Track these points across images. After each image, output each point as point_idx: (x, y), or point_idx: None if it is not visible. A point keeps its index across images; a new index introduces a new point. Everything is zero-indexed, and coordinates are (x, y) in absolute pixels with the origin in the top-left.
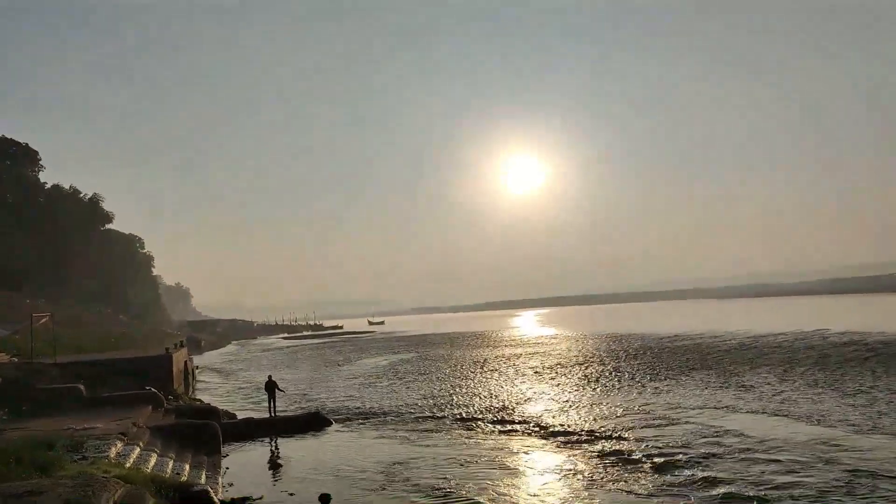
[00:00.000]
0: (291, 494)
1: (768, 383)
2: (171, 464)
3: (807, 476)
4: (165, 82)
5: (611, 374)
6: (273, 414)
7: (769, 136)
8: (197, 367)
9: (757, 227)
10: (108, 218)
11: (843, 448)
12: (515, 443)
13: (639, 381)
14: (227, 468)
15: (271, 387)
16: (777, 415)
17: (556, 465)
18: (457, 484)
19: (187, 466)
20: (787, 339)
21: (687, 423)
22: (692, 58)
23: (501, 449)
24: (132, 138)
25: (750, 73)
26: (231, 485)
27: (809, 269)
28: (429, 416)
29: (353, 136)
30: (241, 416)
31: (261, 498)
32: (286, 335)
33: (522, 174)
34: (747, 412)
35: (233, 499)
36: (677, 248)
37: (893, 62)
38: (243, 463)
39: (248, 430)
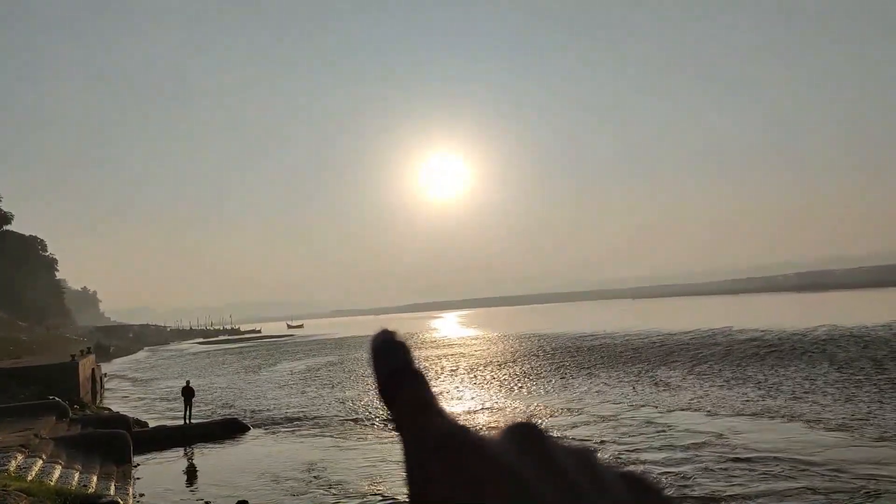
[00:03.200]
0: (207, 503)
1: (678, 378)
2: (77, 476)
3: (695, 459)
4: (70, 79)
5: (528, 373)
6: (189, 421)
7: (689, 143)
8: (105, 375)
9: (669, 231)
10: (6, 219)
11: (739, 433)
12: None
13: (554, 379)
14: (139, 478)
15: (188, 393)
16: (689, 409)
17: None
18: (377, 485)
19: (95, 478)
20: (695, 336)
21: (603, 417)
22: (625, 59)
23: None
24: (38, 139)
25: (680, 76)
26: (142, 495)
27: (716, 270)
28: (348, 419)
29: (269, 135)
30: (153, 424)
31: None
32: (201, 340)
33: (447, 175)
34: (658, 406)
35: None
36: (597, 251)
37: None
38: (156, 473)
39: (161, 439)
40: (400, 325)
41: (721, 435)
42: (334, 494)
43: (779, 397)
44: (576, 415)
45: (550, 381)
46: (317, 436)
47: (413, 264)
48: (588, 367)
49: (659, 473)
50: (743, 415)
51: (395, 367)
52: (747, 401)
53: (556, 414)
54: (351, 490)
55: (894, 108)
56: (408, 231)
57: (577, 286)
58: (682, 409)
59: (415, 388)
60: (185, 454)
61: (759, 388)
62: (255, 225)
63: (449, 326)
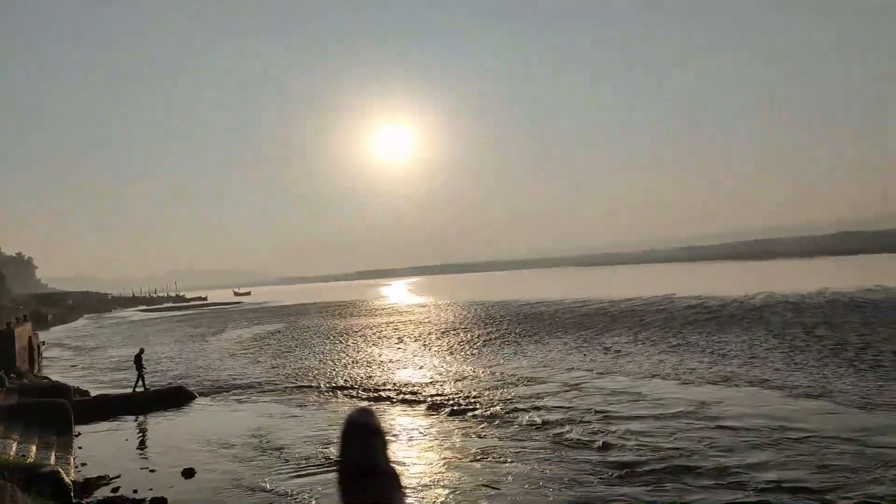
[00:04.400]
0: (152, 471)
1: (628, 344)
2: (14, 446)
3: (691, 430)
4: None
5: (475, 339)
6: (145, 388)
7: (640, 112)
8: (43, 344)
9: (618, 200)
10: None
11: (717, 401)
12: (385, 409)
13: (507, 347)
14: (81, 448)
15: (140, 361)
16: (652, 377)
17: (425, 429)
18: (322, 449)
19: (34, 448)
20: (638, 303)
21: (548, 382)
22: (566, 29)
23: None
24: None
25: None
26: (84, 465)
27: (660, 239)
28: (297, 386)
29: (219, 103)
30: (95, 393)
31: (117, 477)
32: (144, 307)
33: (395, 143)
34: (620, 373)
35: (86, 479)
36: (545, 218)
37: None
38: (99, 442)
39: (104, 408)
40: (352, 293)
41: (703, 403)
42: (281, 460)
43: (730, 364)
44: (540, 383)
45: (504, 348)
46: (264, 402)
47: (361, 233)
48: (538, 334)
49: (666, 448)
50: (711, 383)
51: (363, 462)
52: (705, 367)
53: (520, 383)
54: (297, 455)
55: (815, 83)
56: (357, 199)
57: (524, 255)
58: (646, 377)
59: (381, 492)
60: (130, 423)
61: (710, 354)
62: (201, 193)
63: (397, 294)
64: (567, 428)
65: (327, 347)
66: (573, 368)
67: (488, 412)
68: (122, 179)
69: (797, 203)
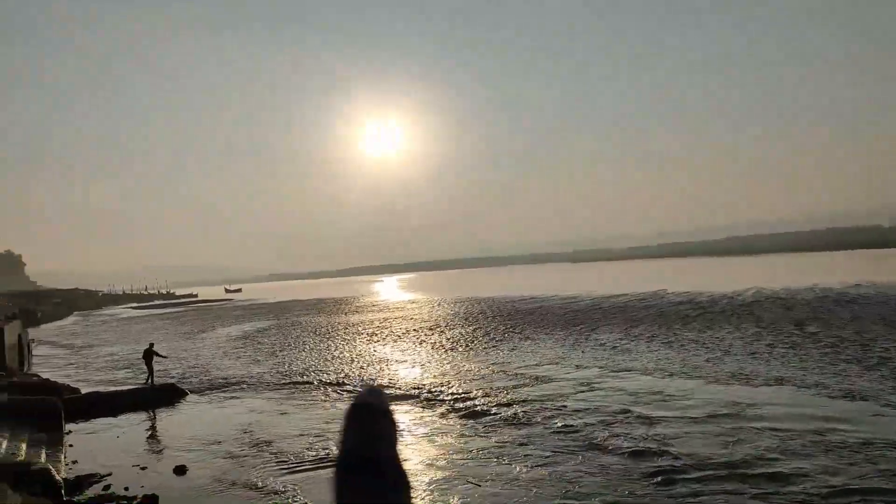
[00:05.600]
0: (144, 469)
1: (607, 339)
2: (4, 444)
3: (738, 434)
4: None
5: (468, 335)
6: (151, 383)
7: (636, 104)
8: (33, 341)
9: (607, 196)
10: None
11: (745, 400)
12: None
13: (496, 341)
14: (71, 445)
15: (150, 355)
16: (623, 369)
17: (419, 426)
18: (319, 448)
19: (24, 446)
20: (630, 299)
21: (558, 380)
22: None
23: None
24: None
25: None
26: (75, 462)
27: (651, 234)
28: (290, 383)
29: (209, 100)
30: (85, 390)
31: (109, 475)
32: (135, 305)
33: (383, 138)
34: (596, 367)
35: (77, 477)
36: (536, 216)
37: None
38: (89, 440)
39: (95, 406)
40: (343, 289)
41: (734, 403)
42: (273, 456)
43: (736, 361)
44: (550, 381)
45: (500, 344)
46: (256, 399)
47: (354, 229)
48: (532, 330)
49: (705, 452)
50: (728, 381)
51: (363, 452)
52: (712, 365)
53: (530, 382)
54: (289, 451)
55: (801, 82)
56: (348, 197)
57: (517, 250)
58: (661, 375)
59: (380, 494)
60: (121, 421)
61: (711, 351)
62: (191, 190)
63: (389, 290)
64: (590, 430)
65: (320, 344)
66: (581, 366)
67: (500, 413)
68: (112, 176)
69: (785, 199)
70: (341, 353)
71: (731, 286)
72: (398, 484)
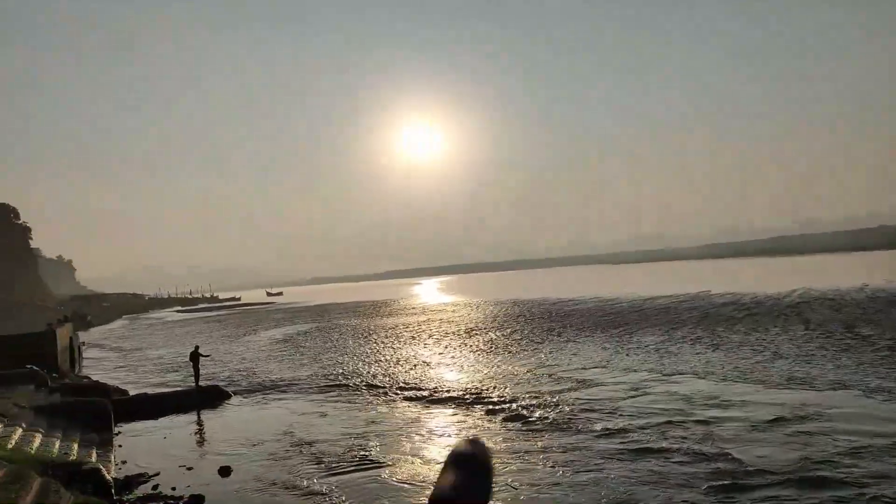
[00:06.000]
0: (189, 469)
1: (651, 341)
2: (57, 444)
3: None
4: (48, 49)
5: (509, 338)
6: (197, 385)
7: (674, 112)
8: (84, 344)
9: (648, 199)
10: None
11: (714, 396)
12: (421, 408)
13: (535, 344)
14: (120, 446)
15: (196, 357)
16: (672, 373)
17: (463, 428)
18: (357, 449)
19: (76, 446)
20: (671, 301)
21: (607, 384)
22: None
23: (407, 414)
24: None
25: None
26: (124, 462)
27: (693, 235)
28: (332, 385)
29: (251, 108)
30: (133, 392)
31: (157, 474)
32: (179, 308)
33: (422, 142)
34: (644, 370)
35: (126, 476)
36: (577, 217)
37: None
38: (137, 440)
39: (142, 407)
40: (383, 292)
41: (799, 407)
42: (315, 458)
43: (790, 363)
44: (598, 385)
45: (542, 346)
46: (297, 401)
47: (392, 232)
48: (574, 332)
49: (780, 457)
50: (787, 385)
51: (452, 499)
52: (763, 367)
53: (578, 385)
54: (331, 453)
55: (864, 77)
56: (385, 199)
57: (556, 252)
58: (712, 379)
59: None
60: (168, 422)
61: (761, 353)
62: (234, 196)
63: (428, 293)
64: (644, 435)
65: (360, 346)
66: (629, 369)
67: (546, 415)
68: (157, 184)
69: (833, 197)
70: (381, 355)
71: (777, 287)
72: None
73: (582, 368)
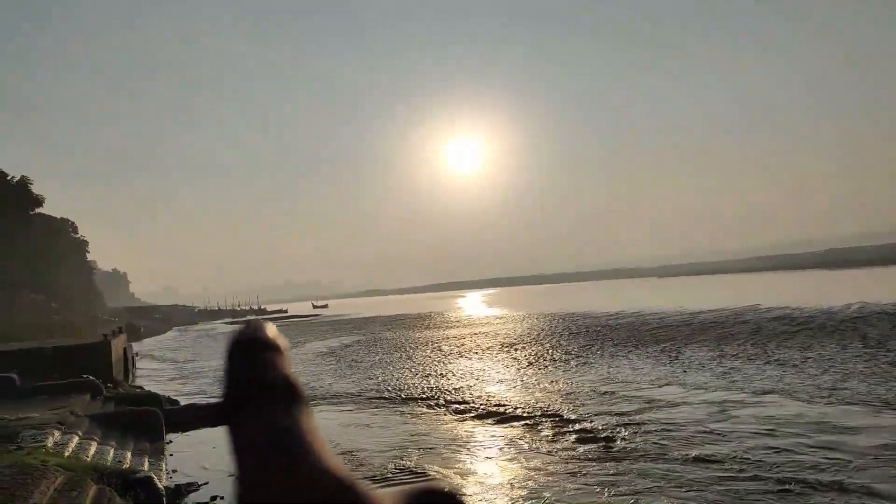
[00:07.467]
0: None
1: (706, 357)
2: (112, 452)
3: (737, 440)
4: (96, 61)
5: (558, 351)
6: None
7: (704, 129)
8: (137, 354)
9: (697, 211)
10: (38, 202)
11: (817, 422)
12: (469, 422)
13: (585, 358)
14: (171, 455)
15: None
16: (753, 392)
17: (509, 442)
18: (398, 460)
19: (129, 454)
20: (721, 314)
21: (636, 397)
22: (636, 52)
23: (455, 428)
24: (69, 127)
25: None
26: (175, 471)
27: (742, 248)
28: (379, 397)
29: (296, 120)
30: (184, 402)
31: (206, 484)
32: (229, 320)
33: (466, 155)
34: (712, 388)
35: (177, 485)
36: (623, 231)
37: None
38: (188, 450)
39: (193, 417)
40: (427, 305)
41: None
42: (359, 469)
43: (865, 383)
44: (673, 406)
45: (596, 361)
46: (341, 412)
47: (438, 245)
48: (626, 346)
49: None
50: (875, 406)
51: (252, 377)
52: (834, 387)
53: (650, 406)
54: (374, 464)
55: None
56: (429, 213)
57: (602, 265)
58: (800, 399)
59: (267, 420)
60: (217, 432)
61: (827, 372)
62: (283, 209)
63: (473, 305)
64: (747, 466)
65: (404, 359)
66: (700, 387)
67: (633, 439)
68: (206, 200)
69: (889, 208)
70: (426, 368)
71: (830, 300)
72: (297, 399)
73: (648, 386)
